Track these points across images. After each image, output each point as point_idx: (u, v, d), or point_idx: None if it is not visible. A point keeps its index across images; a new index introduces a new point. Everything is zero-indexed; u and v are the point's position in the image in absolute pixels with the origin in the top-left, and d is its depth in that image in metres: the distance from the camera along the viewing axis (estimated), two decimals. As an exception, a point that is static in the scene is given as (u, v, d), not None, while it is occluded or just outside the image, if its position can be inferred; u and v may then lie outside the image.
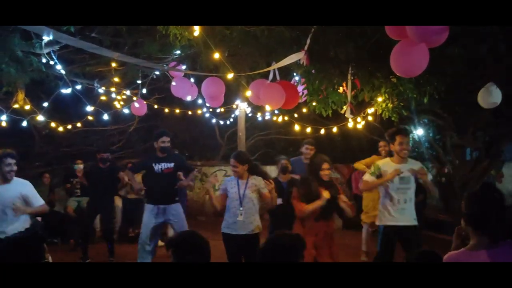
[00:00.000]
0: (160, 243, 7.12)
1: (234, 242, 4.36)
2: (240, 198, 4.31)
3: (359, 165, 6.42)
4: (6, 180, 4.08)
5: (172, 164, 5.32)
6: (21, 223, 4.11)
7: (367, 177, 4.51)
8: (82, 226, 6.75)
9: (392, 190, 4.35)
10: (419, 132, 9.80)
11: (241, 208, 4.30)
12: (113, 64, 5.40)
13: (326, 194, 4.20)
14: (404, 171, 4.29)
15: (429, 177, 4.49)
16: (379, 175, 4.42)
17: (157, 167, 5.25)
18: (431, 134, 10.18)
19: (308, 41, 3.99)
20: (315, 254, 4.24)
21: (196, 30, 3.90)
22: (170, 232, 6.86)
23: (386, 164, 4.44)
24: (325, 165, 4.39)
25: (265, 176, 4.53)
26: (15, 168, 4.08)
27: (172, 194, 5.29)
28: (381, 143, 6.26)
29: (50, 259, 2.47)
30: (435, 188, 4.91)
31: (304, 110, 5.87)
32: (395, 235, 4.39)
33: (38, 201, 4.30)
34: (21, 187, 4.18)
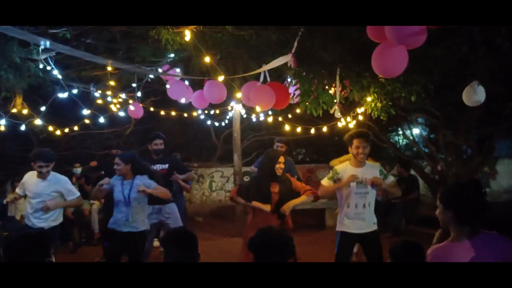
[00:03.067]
0: (156, 243, 7.22)
1: (121, 239, 4.51)
2: (126, 199, 4.46)
3: (334, 162, 6.51)
4: (43, 178, 4.62)
5: (166, 165, 5.50)
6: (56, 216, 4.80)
7: (324, 181, 4.40)
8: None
9: (349, 194, 4.21)
10: (415, 131, 9.95)
11: (128, 210, 4.45)
12: (109, 68, 5.51)
13: (267, 207, 4.23)
14: (360, 176, 4.16)
15: (389, 179, 4.32)
16: (337, 180, 4.30)
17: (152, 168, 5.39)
18: (424, 133, 10.31)
19: (295, 44, 4.11)
20: None
21: (187, 35, 4.01)
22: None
23: (344, 169, 4.31)
24: (281, 159, 4.39)
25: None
26: (45, 170, 4.58)
27: None
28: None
29: (53, 259, 2.56)
30: (397, 189, 4.63)
31: (298, 110, 5.99)
32: (351, 241, 4.31)
33: (73, 194, 4.82)
34: (56, 183, 4.70)
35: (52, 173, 4.71)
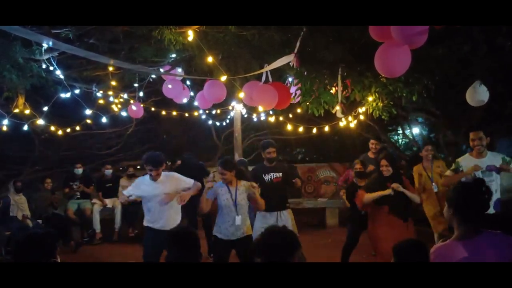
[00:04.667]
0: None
1: (227, 246, 4.52)
2: (235, 205, 4.46)
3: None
4: (155, 180, 4.64)
5: (280, 174, 5.41)
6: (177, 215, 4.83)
7: (448, 173, 4.68)
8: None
9: None
10: (414, 130, 9.96)
11: (238, 216, 4.44)
12: (110, 68, 5.53)
13: (394, 186, 4.46)
14: (483, 166, 4.38)
15: None
16: (459, 172, 4.54)
17: (267, 177, 5.34)
18: (424, 132, 10.32)
19: (298, 44, 4.13)
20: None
21: (190, 35, 4.02)
22: None
23: (465, 159, 4.59)
24: (382, 162, 4.65)
25: (250, 180, 4.72)
26: (154, 173, 4.59)
27: (282, 202, 5.38)
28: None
29: (58, 259, 2.58)
30: None
31: (299, 110, 6.02)
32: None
33: (188, 183, 4.84)
34: (170, 182, 4.73)
35: (163, 174, 4.75)
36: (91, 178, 8.30)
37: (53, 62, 4.65)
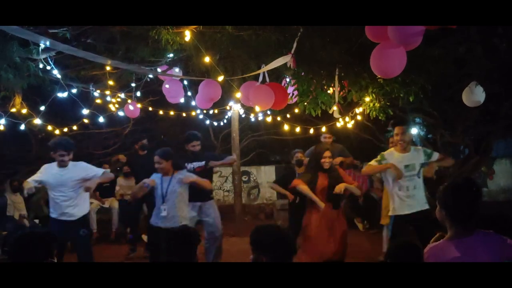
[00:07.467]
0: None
1: (157, 233, 4.50)
2: (162, 195, 4.51)
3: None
4: (64, 166, 4.52)
5: (203, 162, 5.47)
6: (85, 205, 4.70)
7: (371, 162, 4.68)
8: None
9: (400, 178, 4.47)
10: (412, 131, 9.98)
11: (164, 205, 4.49)
12: (107, 68, 5.52)
13: (321, 204, 4.52)
14: (406, 161, 4.45)
15: (435, 156, 4.56)
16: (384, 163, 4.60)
17: (190, 166, 5.38)
18: (422, 133, 10.34)
19: (295, 44, 4.14)
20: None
21: (187, 35, 4.03)
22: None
23: (390, 154, 4.63)
24: (327, 153, 4.64)
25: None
26: (66, 158, 4.50)
27: (205, 192, 5.34)
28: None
29: (55, 259, 2.57)
30: (447, 160, 4.89)
31: (296, 110, 6.04)
32: (406, 223, 4.51)
33: (96, 171, 4.70)
34: (77, 170, 4.59)
35: (71, 162, 4.63)
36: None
37: (50, 62, 4.65)
